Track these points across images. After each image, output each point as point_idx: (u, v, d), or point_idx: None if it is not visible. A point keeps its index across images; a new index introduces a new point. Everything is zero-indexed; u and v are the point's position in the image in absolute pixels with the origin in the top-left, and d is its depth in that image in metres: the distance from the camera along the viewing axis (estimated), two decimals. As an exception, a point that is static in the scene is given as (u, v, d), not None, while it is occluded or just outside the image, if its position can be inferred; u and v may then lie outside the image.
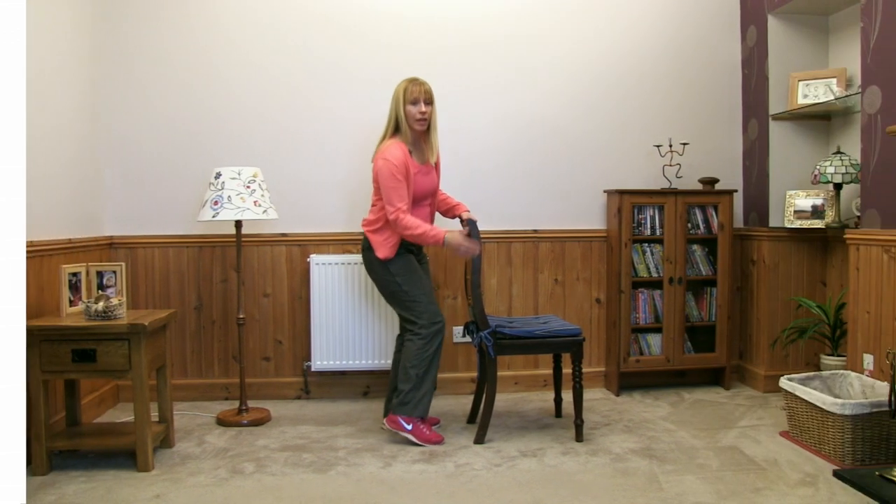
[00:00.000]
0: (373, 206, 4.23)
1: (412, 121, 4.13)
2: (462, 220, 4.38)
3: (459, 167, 5.13)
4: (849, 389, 4.13)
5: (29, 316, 3.88)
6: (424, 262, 4.46)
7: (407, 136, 4.15)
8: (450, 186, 4.89)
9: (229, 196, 4.37)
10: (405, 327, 4.33)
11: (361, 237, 4.32)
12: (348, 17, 5.08)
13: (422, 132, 4.21)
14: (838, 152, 4.61)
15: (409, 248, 4.26)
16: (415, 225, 4.03)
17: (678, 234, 5.08)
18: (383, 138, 4.20)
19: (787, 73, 5.07)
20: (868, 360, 4.12)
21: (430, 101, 4.15)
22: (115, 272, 4.26)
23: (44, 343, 3.66)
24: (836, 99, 4.70)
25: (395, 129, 4.17)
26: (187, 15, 5.00)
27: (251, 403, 4.81)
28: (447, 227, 4.18)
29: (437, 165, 4.35)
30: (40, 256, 4.05)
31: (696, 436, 4.20)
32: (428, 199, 4.32)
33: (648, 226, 5.10)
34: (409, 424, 4.11)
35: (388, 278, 4.18)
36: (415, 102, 4.10)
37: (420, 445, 4.08)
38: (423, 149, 4.25)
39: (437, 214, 4.56)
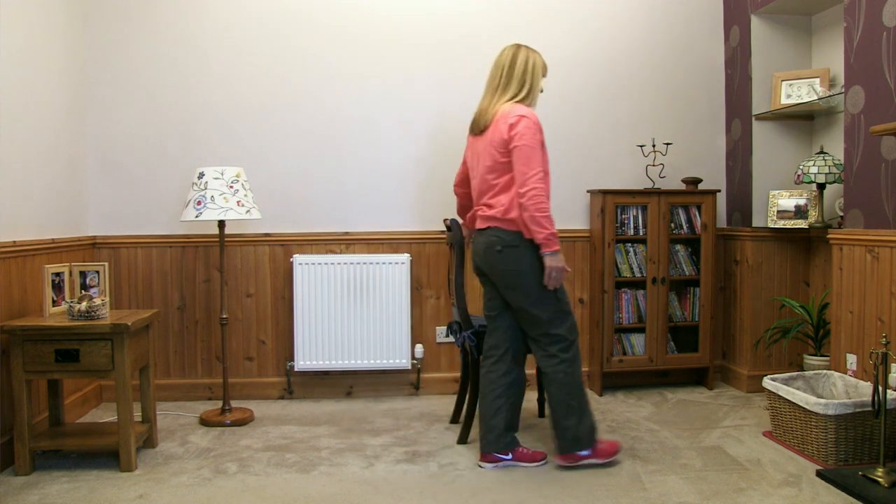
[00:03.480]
0: (496, 188, 3.65)
1: (537, 96, 3.75)
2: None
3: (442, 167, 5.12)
4: (832, 389, 4.15)
5: (12, 316, 3.87)
6: None
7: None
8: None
9: (212, 196, 4.35)
10: (538, 347, 3.72)
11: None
12: (330, 15, 5.05)
13: None
14: (821, 152, 4.63)
15: None
16: (548, 208, 3.46)
17: (661, 234, 5.09)
18: (508, 100, 3.67)
19: (770, 73, 5.09)
20: (851, 360, 4.14)
21: None
22: (98, 272, 4.24)
23: (27, 343, 3.64)
24: (819, 99, 4.72)
25: (522, 97, 3.69)
26: (175, 15, 4.97)
27: (234, 403, 4.80)
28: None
29: None
30: (23, 256, 4.02)
31: (679, 436, 4.21)
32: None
33: (632, 226, 5.11)
34: (586, 451, 3.67)
35: (540, 278, 3.57)
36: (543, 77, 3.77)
37: (608, 460, 3.72)
38: None
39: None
